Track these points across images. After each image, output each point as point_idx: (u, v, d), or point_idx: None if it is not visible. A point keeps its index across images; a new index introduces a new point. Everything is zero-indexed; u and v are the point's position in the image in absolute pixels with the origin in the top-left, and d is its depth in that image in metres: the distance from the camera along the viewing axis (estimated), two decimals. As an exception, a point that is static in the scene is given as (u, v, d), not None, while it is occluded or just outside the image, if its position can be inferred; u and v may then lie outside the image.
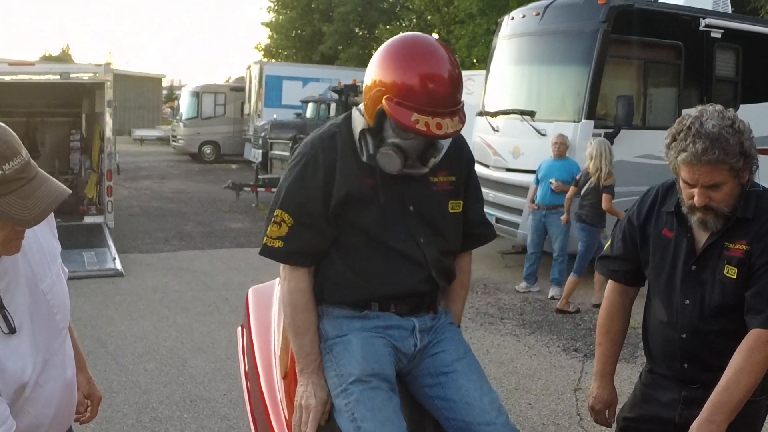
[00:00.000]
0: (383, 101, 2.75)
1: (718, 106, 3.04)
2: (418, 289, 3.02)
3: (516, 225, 12.09)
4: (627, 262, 3.48)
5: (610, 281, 3.62)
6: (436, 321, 3.12)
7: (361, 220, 2.92)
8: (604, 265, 3.62)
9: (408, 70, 2.74)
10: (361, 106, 2.96)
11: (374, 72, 2.84)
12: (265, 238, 2.96)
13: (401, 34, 2.92)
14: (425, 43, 2.83)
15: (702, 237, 3.18)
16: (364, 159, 2.88)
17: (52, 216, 2.63)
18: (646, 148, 11.29)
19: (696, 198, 3.03)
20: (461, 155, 3.17)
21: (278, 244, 2.93)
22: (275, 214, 2.94)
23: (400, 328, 3.00)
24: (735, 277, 3.06)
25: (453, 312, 3.29)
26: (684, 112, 3.22)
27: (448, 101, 2.74)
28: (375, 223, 2.92)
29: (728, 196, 3.02)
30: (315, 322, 3.01)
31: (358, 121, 2.97)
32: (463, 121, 2.79)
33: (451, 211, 3.09)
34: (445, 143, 2.98)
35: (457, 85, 2.78)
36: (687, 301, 3.21)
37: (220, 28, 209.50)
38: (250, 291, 4.45)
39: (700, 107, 3.05)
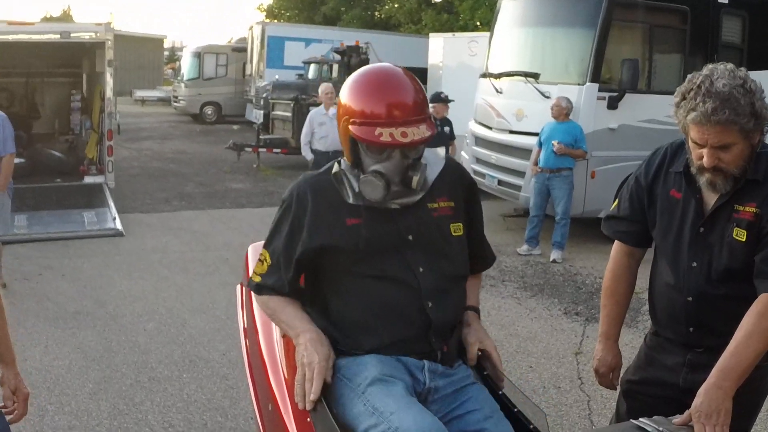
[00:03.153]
0: (349, 127, 2.83)
1: (729, 65, 2.96)
2: (414, 322, 2.91)
3: (518, 187, 12.03)
4: (634, 223, 3.43)
5: (616, 242, 3.57)
6: (453, 374, 2.99)
7: (348, 264, 2.91)
8: (611, 225, 3.56)
9: (369, 94, 2.84)
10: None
11: (341, 106, 2.93)
12: (252, 273, 3.14)
13: (364, 67, 3.02)
14: (385, 70, 2.94)
15: (711, 199, 3.12)
16: (351, 200, 2.91)
17: None
18: (650, 113, 11.20)
19: (705, 159, 2.96)
20: (461, 181, 3.15)
21: (257, 279, 3.09)
22: (261, 252, 3.10)
23: (410, 363, 2.92)
24: (744, 239, 3.01)
25: (469, 295, 3.24)
26: (689, 76, 3.14)
27: (410, 112, 2.80)
28: (365, 262, 2.89)
29: (738, 158, 2.95)
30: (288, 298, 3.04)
31: (336, 167, 3.02)
32: (431, 129, 2.82)
33: (453, 234, 3.05)
34: (432, 165, 3.01)
35: (417, 98, 2.85)
36: (694, 264, 3.16)
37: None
38: (250, 248, 4.41)
39: (710, 66, 2.97)
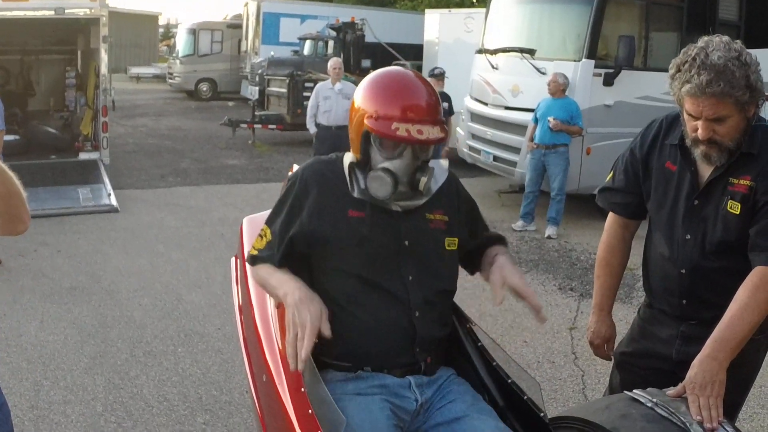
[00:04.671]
0: (364, 122, 2.84)
1: (725, 38, 2.94)
2: (400, 332, 2.89)
3: (513, 163, 12.04)
4: (628, 195, 3.43)
5: (610, 214, 3.57)
6: (437, 380, 2.99)
7: (339, 260, 2.90)
8: (606, 197, 3.56)
9: (387, 93, 2.87)
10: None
11: (356, 104, 2.95)
12: (251, 247, 3.09)
13: (380, 70, 3.05)
14: (402, 73, 2.99)
15: (706, 171, 3.11)
16: (356, 194, 2.91)
17: None
18: (645, 90, 11.19)
19: (700, 131, 2.95)
20: (458, 196, 3.17)
21: (253, 252, 3.06)
22: (262, 228, 3.08)
23: (396, 385, 2.90)
24: (738, 212, 3.01)
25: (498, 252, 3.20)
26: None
27: (426, 113, 2.83)
28: (359, 260, 2.88)
29: (733, 130, 2.95)
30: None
31: (348, 157, 3.02)
32: (445, 132, 2.84)
33: (447, 248, 3.04)
34: (438, 173, 3.02)
35: (435, 104, 2.89)
36: (688, 236, 3.16)
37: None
38: (245, 221, 4.42)
39: (706, 38, 2.96)
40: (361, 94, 2.93)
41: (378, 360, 2.90)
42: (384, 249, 2.89)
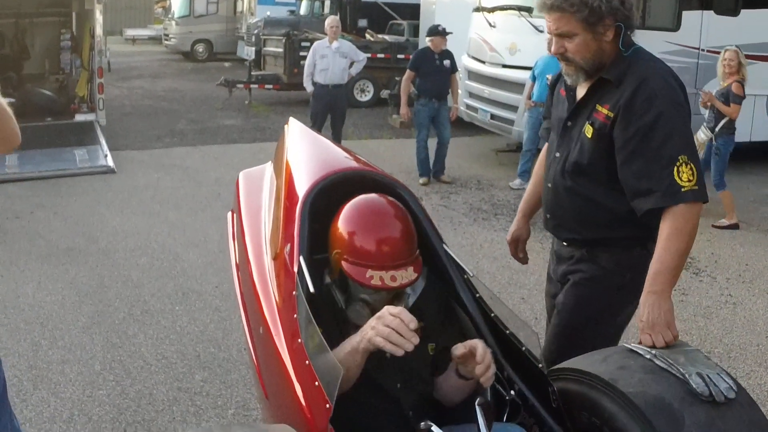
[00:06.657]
0: (342, 263, 2.83)
1: None
2: (394, 424, 2.87)
3: (511, 122, 11.99)
4: (548, 121, 3.74)
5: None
6: None
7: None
8: (543, 125, 3.95)
9: (360, 233, 2.84)
10: None
11: (334, 236, 2.90)
12: None
13: (356, 199, 2.98)
14: (380, 207, 2.94)
15: (581, 95, 3.36)
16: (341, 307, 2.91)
17: None
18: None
19: (552, 46, 3.22)
20: (436, 300, 3.08)
21: None
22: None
23: None
24: (590, 137, 3.22)
25: None
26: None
27: (399, 256, 2.80)
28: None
29: (582, 49, 3.14)
30: None
31: (326, 279, 3.00)
32: (417, 271, 2.83)
33: (430, 353, 2.97)
34: (413, 294, 2.98)
35: (407, 240, 2.86)
36: (557, 154, 3.47)
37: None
38: (241, 175, 4.40)
39: None
40: (339, 225, 2.89)
41: None
42: (370, 361, 2.74)
